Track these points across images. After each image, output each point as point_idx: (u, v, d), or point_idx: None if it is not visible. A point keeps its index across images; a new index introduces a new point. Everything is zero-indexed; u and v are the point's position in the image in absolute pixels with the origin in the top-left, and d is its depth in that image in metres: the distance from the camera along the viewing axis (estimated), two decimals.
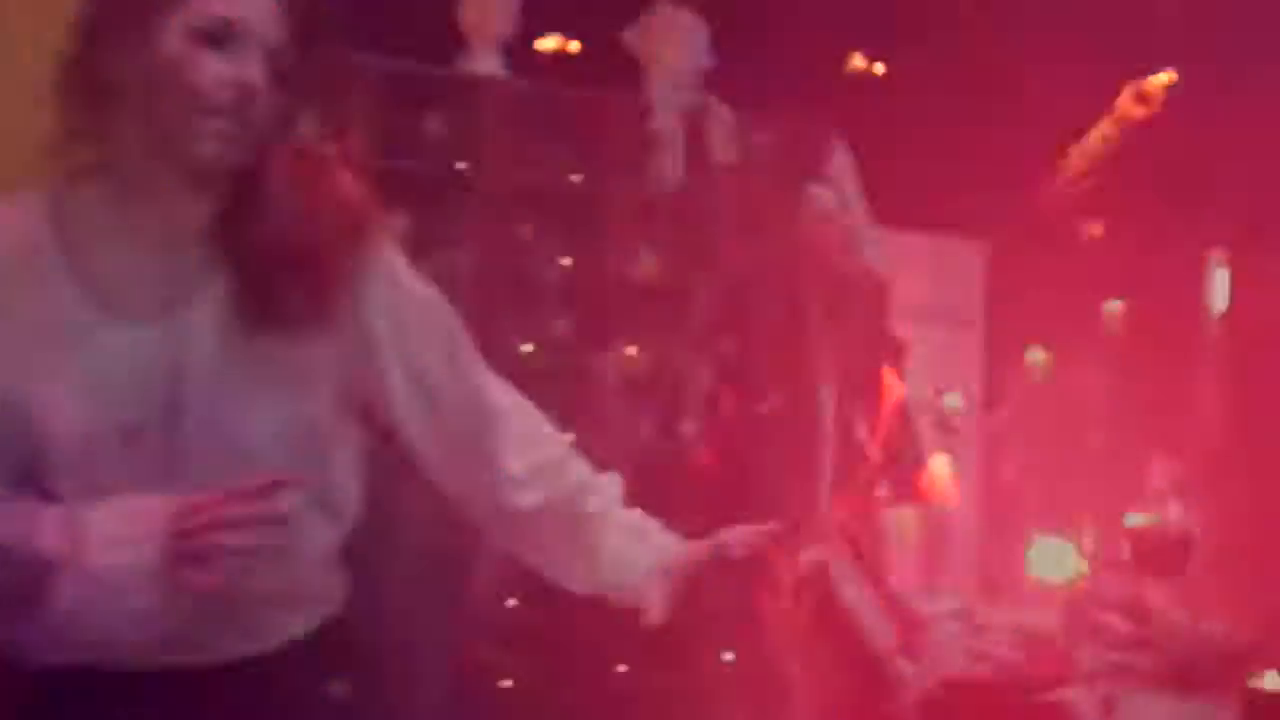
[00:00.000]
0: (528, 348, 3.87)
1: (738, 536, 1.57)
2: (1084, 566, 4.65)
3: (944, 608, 2.68)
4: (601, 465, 3.94)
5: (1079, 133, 4.66)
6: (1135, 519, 2.39)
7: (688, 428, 4.21)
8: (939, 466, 3.08)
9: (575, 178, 4.00)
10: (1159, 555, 2.31)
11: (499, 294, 3.80)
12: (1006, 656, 2.31)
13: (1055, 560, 4.49)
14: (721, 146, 4.16)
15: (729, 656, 4.14)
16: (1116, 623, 2.43)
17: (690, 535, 3.61)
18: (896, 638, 2.35)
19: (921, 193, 4.86)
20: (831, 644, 2.34)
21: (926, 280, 4.68)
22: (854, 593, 2.32)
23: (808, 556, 2.42)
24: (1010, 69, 4.56)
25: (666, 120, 4.01)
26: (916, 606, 2.59)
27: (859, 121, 4.55)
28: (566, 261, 3.97)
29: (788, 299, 2.75)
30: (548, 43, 4.07)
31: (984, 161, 4.89)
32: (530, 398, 3.89)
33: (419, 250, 3.71)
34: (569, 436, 3.89)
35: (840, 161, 4.49)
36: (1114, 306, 4.48)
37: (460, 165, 3.75)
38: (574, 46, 4.08)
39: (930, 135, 4.83)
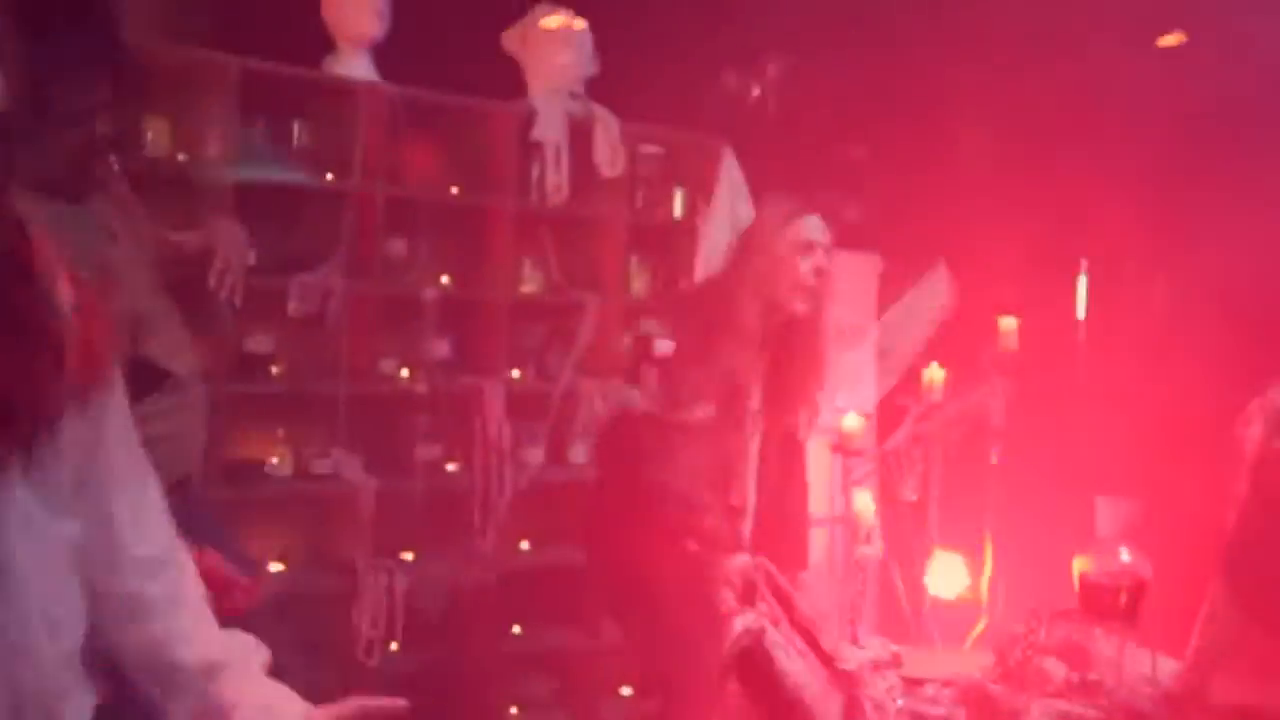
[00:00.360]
0: (404, 372, 3.61)
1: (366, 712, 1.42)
2: (983, 583, 4.58)
3: (870, 655, 2.50)
4: (486, 496, 3.74)
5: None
6: (1083, 563, 2.23)
7: (579, 454, 3.99)
8: (863, 504, 2.90)
9: (453, 190, 3.76)
10: (1110, 602, 2.16)
11: (372, 314, 3.54)
12: (950, 717, 2.14)
13: (949, 575, 4.38)
14: (608, 157, 3.97)
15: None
16: (1059, 669, 2.29)
17: (582, 572, 3.34)
18: (839, 706, 2.17)
19: (815, 207, 4.74)
20: None
21: None
22: (792, 662, 2.13)
23: (742, 624, 2.20)
24: (906, 78, 4.47)
25: (549, 129, 3.80)
26: (844, 657, 2.40)
27: (748, 133, 4.42)
28: (445, 280, 3.73)
29: (710, 321, 2.57)
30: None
31: (875, 174, 4.82)
32: (408, 426, 3.65)
33: (285, 267, 3.48)
34: (451, 468, 3.69)
35: (730, 173, 4.35)
36: (1009, 323, 4.39)
37: (328, 176, 3.48)
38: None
39: (821, 148, 4.73)
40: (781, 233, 2.63)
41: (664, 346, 2.62)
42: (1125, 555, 2.20)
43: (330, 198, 3.47)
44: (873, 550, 2.79)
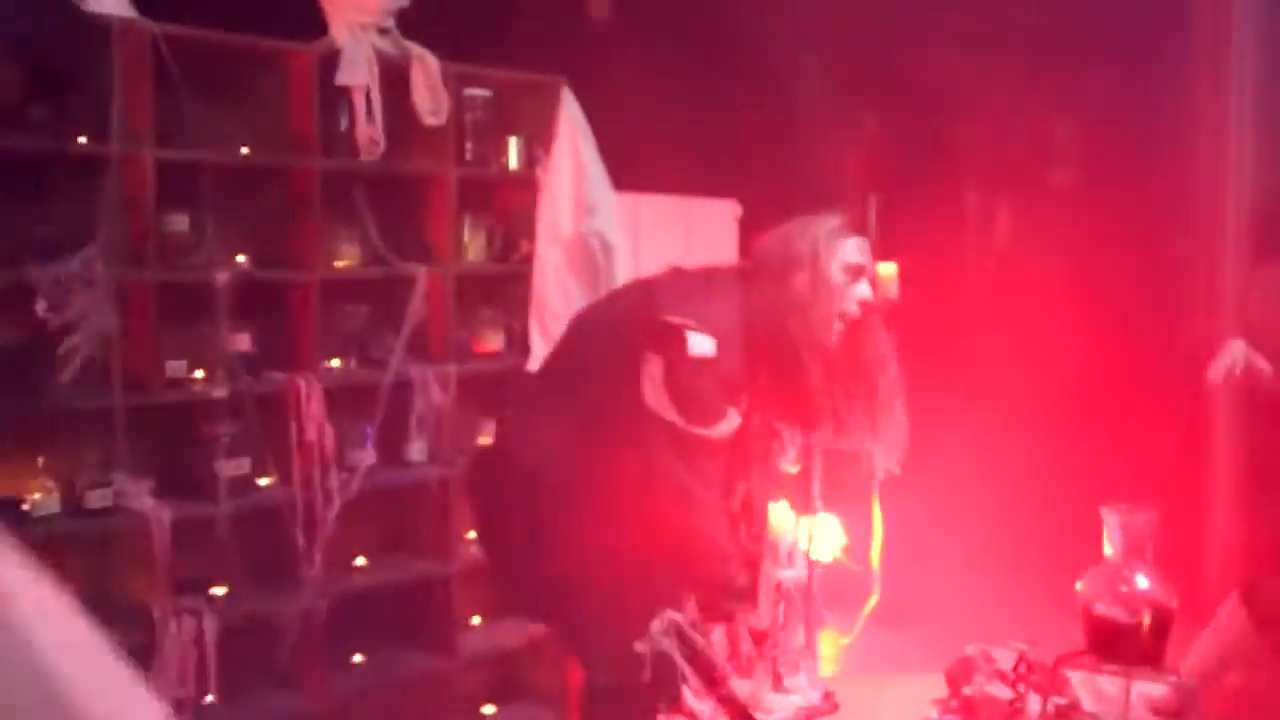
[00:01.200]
0: (198, 373, 3.00)
1: None
2: (873, 552, 4.28)
3: (799, 702, 2.11)
4: (310, 512, 3.18)
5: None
6: (1090, 592, 1.81)
7: (417, 451, 3.45)
8: (780, 518, 2.45)
9: (243, 150, 3.13)
10: (1131, 640, 1.76)
11: (152, 307, 2.90)
12: None
13: (826, 537, 4.13)
14: (429, 103, 3.39)
15: None
16: (1031, 700, 1.90)
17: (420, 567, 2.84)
18: None
19: (667, 154, 4.31)
20: None
21: (680, 245, 4.13)
22: None
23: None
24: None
25: (356, 72, 3.20)
26: (769, 708, 2.02)
27: (592, 78, 3.91)
28: (241, 259, 3.11)
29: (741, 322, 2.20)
30: None
31: (730, 123, 4.44)
32: (206, 438, 3.05)
33: (45, 255, 2.82)
34: (263, 483, 3.12)
35: (570, 115, 3.82)
36: (888, 269, 4.00)
37: (82, 141, 2.83)
38: None
39: (669, 94, 4.29)
40: (831, 251, 2.30)
41: (702, 346, 2.12)
42: (1143, 581, 1.79)
43: (84, 166, 2.81)
44: (795, 574, 2.34)
